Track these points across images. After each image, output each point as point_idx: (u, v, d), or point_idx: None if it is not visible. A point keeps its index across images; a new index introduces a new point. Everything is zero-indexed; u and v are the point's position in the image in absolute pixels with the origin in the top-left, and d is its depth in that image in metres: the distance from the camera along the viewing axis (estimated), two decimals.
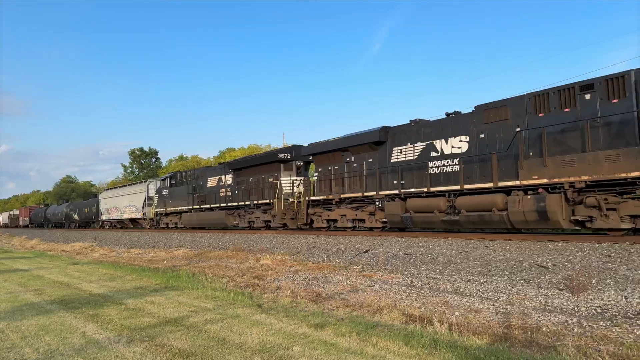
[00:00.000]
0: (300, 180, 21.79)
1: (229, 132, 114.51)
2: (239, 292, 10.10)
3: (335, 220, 19.26)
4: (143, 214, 36.56)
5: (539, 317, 7.16)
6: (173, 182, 32.18)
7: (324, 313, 7.95)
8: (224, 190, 26.45)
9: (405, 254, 12.90)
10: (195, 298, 9.57)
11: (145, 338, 6.55)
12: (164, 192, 32.84)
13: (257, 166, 24.21)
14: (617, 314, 7.04)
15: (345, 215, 18.52)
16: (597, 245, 10.50)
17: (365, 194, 17.48)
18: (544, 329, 6.54)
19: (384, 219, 16.90)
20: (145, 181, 38.59)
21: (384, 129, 17.06)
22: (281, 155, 22.53)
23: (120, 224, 42.56)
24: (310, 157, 21.57)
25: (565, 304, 7.74)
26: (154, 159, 79.31)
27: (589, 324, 6.65)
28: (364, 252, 14.00)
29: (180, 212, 30.80)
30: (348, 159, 18.70)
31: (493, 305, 8.04)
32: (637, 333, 6.13)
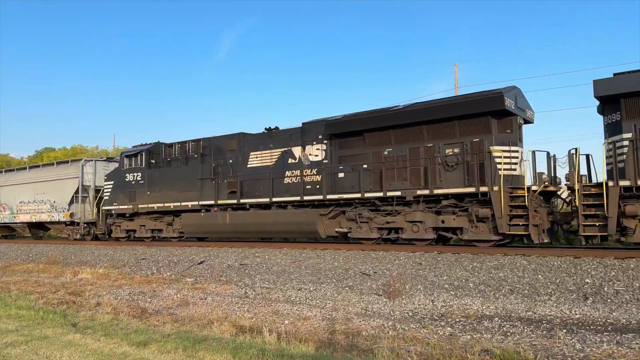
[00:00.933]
0: (529, 152, 11.82)
1: (46, 131, 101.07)
2: (50, 310, 9.01)
3: None
4: (71, 214, 22.38)
5: (360, 321, 7.68)
6: (153, 161, 19.09)
7: (149, 330, 7.48)
8: (308, 172, 14.79)
9: (241, 264, 12.85)
10: None
11: None
12: (131, 176, 19.34)
13: (414, 127, 12.98)
14: (425, 316, 7.90)
15: None
16: (411, 254, 11.70)
17: None
18: (363, 333, 7.02)
19: None
20: (79, 160, 23.46)
21: None
22: (507, 102, 11.51)
23: (9, 232, 27.47)
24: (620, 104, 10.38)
25: (383, 308, 8.44)
26: None
27: (402, 326, 7.32)
28: (199, 264, 13.59)
29: (176, 211, 18.03)
30: None
31: (320, 312, 8.41)
32: (440, 333, 6.94)
